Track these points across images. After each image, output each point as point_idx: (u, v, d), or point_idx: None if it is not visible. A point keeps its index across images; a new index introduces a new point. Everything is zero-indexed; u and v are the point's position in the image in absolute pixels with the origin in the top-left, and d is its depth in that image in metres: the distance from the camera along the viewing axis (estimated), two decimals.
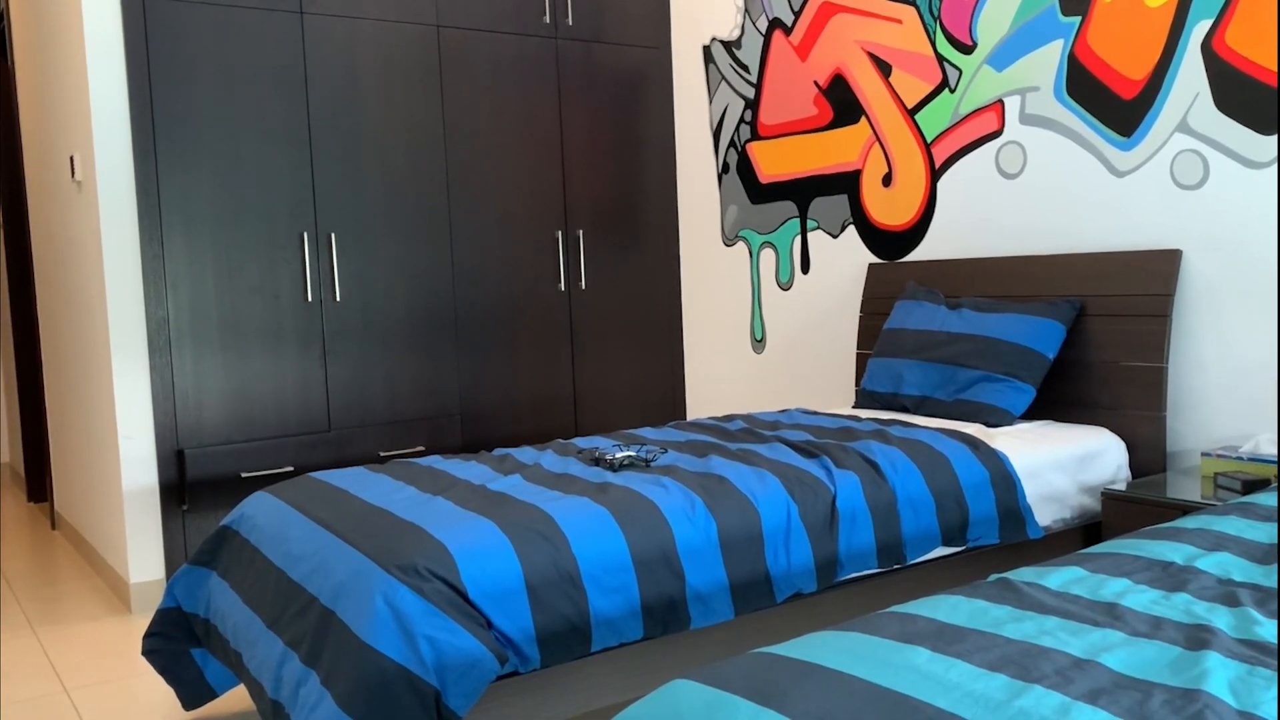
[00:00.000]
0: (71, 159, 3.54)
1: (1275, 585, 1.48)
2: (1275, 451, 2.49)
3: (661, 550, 2.02)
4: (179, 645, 2.40)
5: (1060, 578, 1.53)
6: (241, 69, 3.43)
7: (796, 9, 3.83)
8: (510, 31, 3.97)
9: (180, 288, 3.36)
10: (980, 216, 3.30)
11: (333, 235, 3.61)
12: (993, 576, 1.57)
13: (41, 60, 3.98)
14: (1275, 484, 2.36)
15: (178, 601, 2.39)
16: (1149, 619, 1.36)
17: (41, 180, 4.23)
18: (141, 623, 3.25)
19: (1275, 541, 1.69)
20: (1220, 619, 1.36)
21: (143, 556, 3.36)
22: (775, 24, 3.93)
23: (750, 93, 4.07)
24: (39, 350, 4.63)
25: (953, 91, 3.32)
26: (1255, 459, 2.45)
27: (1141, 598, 1.44)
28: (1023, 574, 1.57)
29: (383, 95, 3.71)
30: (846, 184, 3.72)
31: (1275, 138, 2.57)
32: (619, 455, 2.42)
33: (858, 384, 3.61)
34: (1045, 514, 2.60)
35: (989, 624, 1.35)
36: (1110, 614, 1.38)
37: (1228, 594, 1.45)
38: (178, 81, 3.33)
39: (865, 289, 3.62)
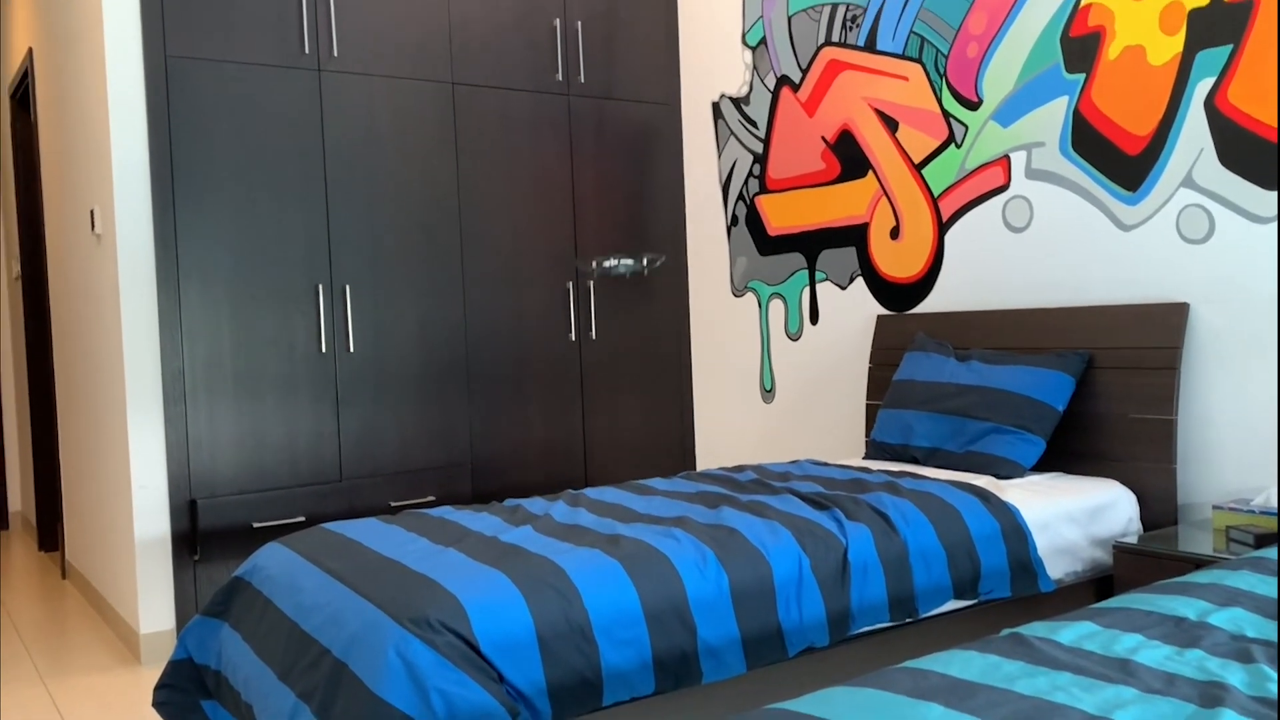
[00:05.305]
0: (92, 212, 3.60)
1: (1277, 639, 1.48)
2: None
3: (673, 603, 2.02)
4: (190, 697, 2.40)
5: (1073, 633, 1.53)
6: (260, 125, 3.50)
7: (804, 66, 3.90)
8: (524, 89, 4.05)
9: (196, 339, 3.40)
10: (988, 269, 3.33)
11: (347, 287, 3.66)
12: (1005, 631, 1.57)
13: (64, 116, 4.06)
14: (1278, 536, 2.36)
15: (189, 653, 2.39)
16: (1162, 675, 1.36)
17: (61, 232, 4.30)
18: (151, 674, 3.25)
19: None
20: (1234, 676, 1.35)
21: (153, 607, 3.36)
22: (783, 81, 3.99)
23: (759, 147, 4.12)
24: (54, 400, 4.67)
25: (959, 147, 3.37)
26: (1267, 512, 2.45)
27: (1155, 654, 1.44)
28: (1035, 629, 1.57)
29: (398, 151, 3.77)
30: (854, 236, 3.76)
31: (1277, 193, 2.59)
32: (609, 264, 2.32)
33: (868, 435, 3.62)
34: (1057, 567, 2.59)
35: (1002, 680, 1.35)
36: (1123, 670, 1.38)
37: (1241, 650, 1.45)
38: (198, 137, 3.40)
39: (874, 340, 3.64)
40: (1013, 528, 2.50)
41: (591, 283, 4.20)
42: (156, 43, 3.34)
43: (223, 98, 3.44)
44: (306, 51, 3.58)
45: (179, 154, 3.38)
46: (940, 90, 3.41)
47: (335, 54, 3.63)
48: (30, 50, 4.71)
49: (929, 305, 3.52)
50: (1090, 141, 3.01)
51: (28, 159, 5.26)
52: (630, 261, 2.27)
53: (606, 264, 2.27)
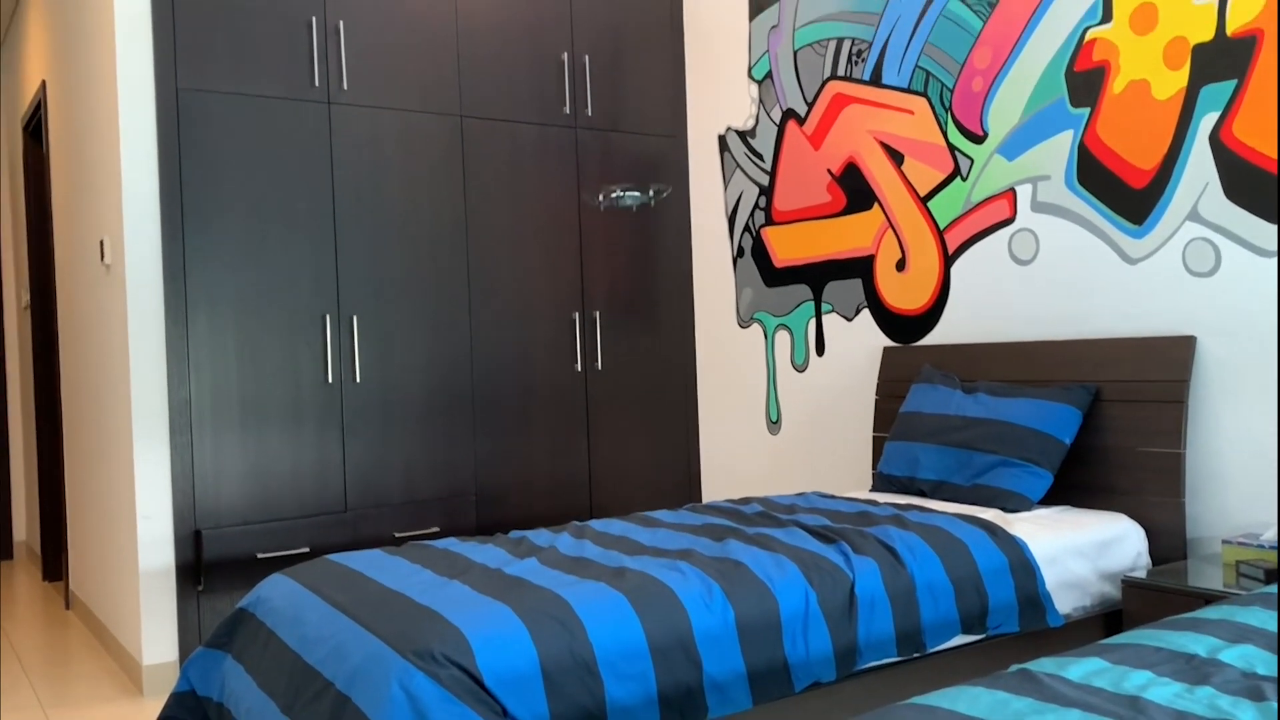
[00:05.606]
0: (101, 242, 3.62)
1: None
2: None
3: (678, 637, 2.01)
4: None
5: (1081, 669, 1.52)
6: (270, 157, 3.53)
7: (810, 100, 3.92)
8: (531, 121, 4.08)
9: (203, 369, 3.41)
10: (994, 302, 3.33)
11: (355, 318, 3.67)
12: (1014, 667, 1.56)
13: (75, 147, 4.10)
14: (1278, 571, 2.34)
15: (192, 684, 2.38)
16: (1172, 713, 1.35)
17: (70, 262, 4.32)
18: (153, 706, 3.23)
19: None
20: (1245, 713, 1.34)
21: (157, 638, 3.35)
22: (789, 114, 4.02)
23: (765, 180, 4.14)
24: (60, 429, 4.67)
25: (964, 180, 3.38)
26: (1276, 547, 2.43)
27: (1165, 691, 1.43)
28: (1043, 665, 1.55)
29: (406, 183, 3.80)
30: (860, 268, 3.77)
31: (1278, 227, 2.60)
32: (616, 195, 2.31)
33: (874, 467, 3.60)
34: (1065, 601, 2.57)
35: (1010, 716, 1.33)
36: (1133, 707, 1.37)
37: (1252, 688, 1.44)
38: (207, 168, 3.43)
39: (881, 372, 3.64)
40: (1020, 562, 2.49)
41: (598, 313, 4.21)
42: (168, 75, 3.37)
43: (233, 130, 3.47)
44: (316, 84, 3.61)
45: (189, 185, 3.40)
46: (945, 124, 3.43)
47: (345, 86, 3.66)
48: (43, 82, 4.76)
49: (935, 337, 3.52)
50: (1096, 175, 3.01)
51: (39, 189, 5.30)
52: (637, 193, 2.27)
53: (614, 194, 2.26)
